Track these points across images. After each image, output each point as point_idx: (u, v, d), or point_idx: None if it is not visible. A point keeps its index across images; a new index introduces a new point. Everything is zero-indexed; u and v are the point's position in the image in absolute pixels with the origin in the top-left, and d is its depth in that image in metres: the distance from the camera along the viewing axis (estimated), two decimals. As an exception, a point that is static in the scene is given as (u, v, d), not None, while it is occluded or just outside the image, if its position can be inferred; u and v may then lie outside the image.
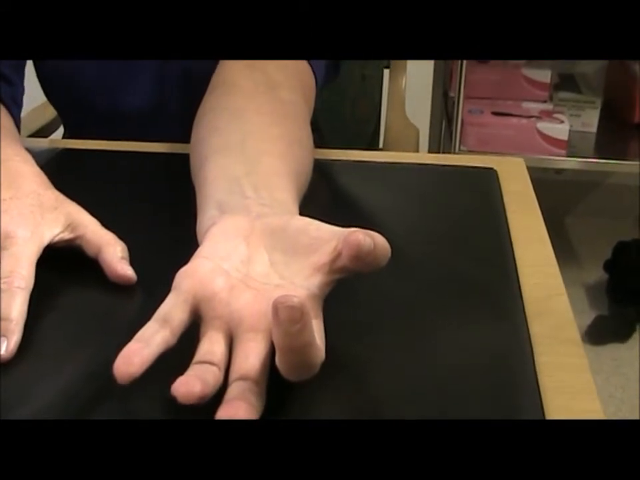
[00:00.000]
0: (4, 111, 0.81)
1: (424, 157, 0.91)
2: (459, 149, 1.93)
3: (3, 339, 0.55)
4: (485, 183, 0.80)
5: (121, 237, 0.65)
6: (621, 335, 2.03)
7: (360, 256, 0.49)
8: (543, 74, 1.97)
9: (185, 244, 0.59)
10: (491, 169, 0.82)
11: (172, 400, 0.50)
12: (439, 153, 2.16)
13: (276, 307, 0.46)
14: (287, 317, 0.45)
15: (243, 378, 0.48)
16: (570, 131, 1.90)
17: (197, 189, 0.66)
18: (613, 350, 1.97)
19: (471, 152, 1.92)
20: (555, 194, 2.22)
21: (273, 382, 0.50)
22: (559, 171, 2.18)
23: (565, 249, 2.22)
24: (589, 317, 2.05)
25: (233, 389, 0.48)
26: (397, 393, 0.52)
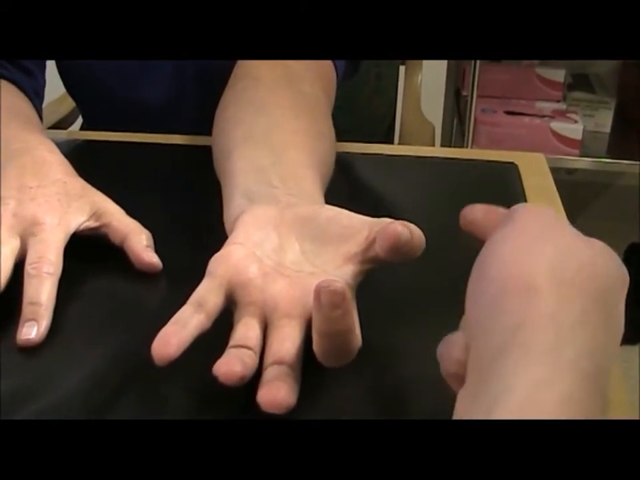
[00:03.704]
0: (27, 101, 0.82)
1: (444, 151, 0.92)
2: (471, 148, 1.93)
3: (33, 322, 0.56)
4: (506, 178, 0.80)
5: (142, 226, 0.65)
6: (631, 337, 2.02)
7: (397, 247, 0.50)
8: (557, 73, 1.97)
9: (206, 232, 0.59)
10: (512, 163, 0.82)
11: (198, 386, 0.51)
12: (450, 151, 2.15)
13: (318, 292, 0.46)
14: (328, 301, 0.46)
15: (278, 362, 0.49)
16: (583, 130, 1.90)
17: (222, 179, 0.66)
18: (623, 352, 1.97)
19: (483, 151, 1.92)
20: (566, 194, 2.21)
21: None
22: (571, 171, 2.17)
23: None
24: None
25: (270, 373, 0.48)
26: (420, 381, 0.52)
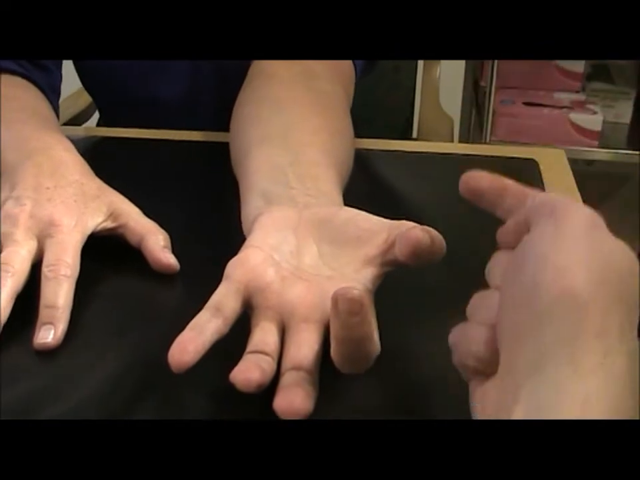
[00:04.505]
0: (43, 99, 0.82)
1: (463, 147, 0.91)
2: (490, 139, 1.92)
3: (50, 326, 0.55)
4: (526, 175, 0.79)
5: (158, 224, 0.65)
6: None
7: (417, 253, 0.49)
8: (576, 64, 1.95)
9: (223, 231, 0.59)
10: (532, 160, 0.81)
11: (215, 391, 0.50)
12: (468, 143, 2.14)
13: (336, 299, 0.45)
14: (346, 308, 0.45)
15: (296, 368, 0.48)
16: (602, 121, 1.88)
17: (239, 178, 0.66)
18: (641, 345, 1.95)
19: (501, 142, 1.91)
20: (585, 185, 2.20)
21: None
22: (590, 163, 2.16)
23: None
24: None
25: (287, 378, 0.48)
26: (438, 387, 0.52)
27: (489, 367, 0.42)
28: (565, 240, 0.41)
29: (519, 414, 0.37)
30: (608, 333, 0.38)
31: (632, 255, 0.41)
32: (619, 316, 0.38)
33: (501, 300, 0.42)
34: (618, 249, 0.41)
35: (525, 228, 0.44)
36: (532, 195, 0.46)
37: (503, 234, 0.47)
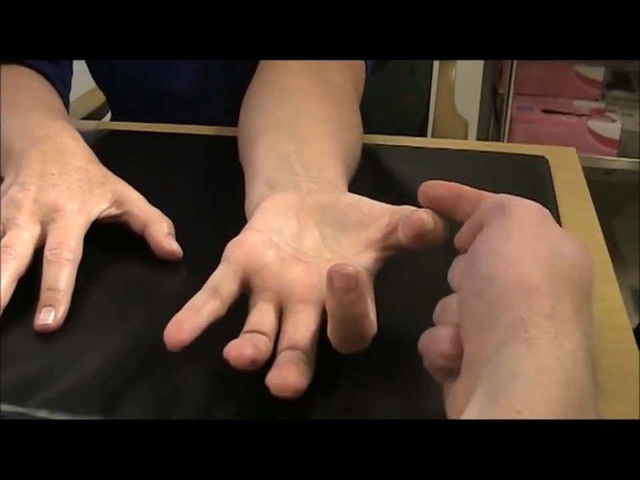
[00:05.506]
0: (51, 89, 0.82)
1: (474, 144, 0.90)
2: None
3: (50, 308, 0.55)
4: (536, 172, 0.78)
5: (166, 215, 0.65)
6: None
7: (421, 235, 0.49)
8: (596, 71, 1.94)
9: (230, 222, 0.58)
10: (542, 157, 0.81)
11: (216, 372, 0.50)
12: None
13: (331, 275, 0.45)
14: (342, 285, 0.45)
15: (292, 347, 0.48)
16: (621, 130, 1.87)
17: (245, 167, 0.66)
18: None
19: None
20: (603, 195, 2.19)
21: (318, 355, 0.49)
22: (609, 172, 2.14)
23: (611, 250, 2.18)
24: (634, 320, 2.02)
25: (282, 357, 0.48)
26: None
27: (457, 365, 0.43)
28: (513, 232, 0.42)
29: (477, 397, 0.38)
30: (560, 314, 0.39)
31: (580, 244, 0.43)
32: (571, 300, 0.40)
33: (458, 297, 0.44)
34: (566, 238, 0.43)
35: (478, 230, 0.45)
36: (485, 198, 0.47)
37: (459, 239, 0.48)
